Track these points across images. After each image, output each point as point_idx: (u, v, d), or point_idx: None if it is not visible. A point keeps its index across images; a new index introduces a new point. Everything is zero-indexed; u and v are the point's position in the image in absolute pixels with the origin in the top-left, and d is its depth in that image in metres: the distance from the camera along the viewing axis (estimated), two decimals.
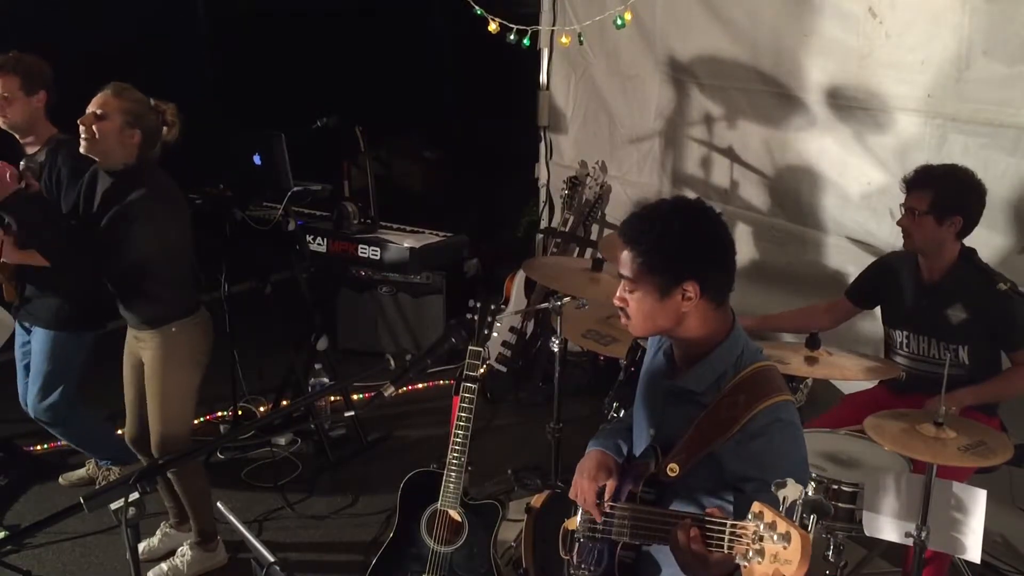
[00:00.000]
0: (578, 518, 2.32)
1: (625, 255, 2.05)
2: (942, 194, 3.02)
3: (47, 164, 3.44)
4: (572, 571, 2.30)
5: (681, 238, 2.01)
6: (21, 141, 3.53)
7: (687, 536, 1.76)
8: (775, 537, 1.57)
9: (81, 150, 3.06)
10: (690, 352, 2.10)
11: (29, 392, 3.66)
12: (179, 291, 3.25)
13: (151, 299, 3.21)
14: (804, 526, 1.61)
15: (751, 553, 1.60)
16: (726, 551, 1.68)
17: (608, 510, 2.17)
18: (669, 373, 2.16)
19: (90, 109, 3.03)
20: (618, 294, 2.08)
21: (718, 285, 2.05)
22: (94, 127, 3.01)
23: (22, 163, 3.45)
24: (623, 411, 2.86)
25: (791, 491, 1.62)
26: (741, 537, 1.64)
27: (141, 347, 3.27)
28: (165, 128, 3.16)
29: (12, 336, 3.75)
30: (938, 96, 3.54)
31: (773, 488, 1.63)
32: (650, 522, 2.01)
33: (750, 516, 1.62)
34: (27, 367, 3.70)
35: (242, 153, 4.69)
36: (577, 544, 2.31)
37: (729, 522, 1.69)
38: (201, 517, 3.46)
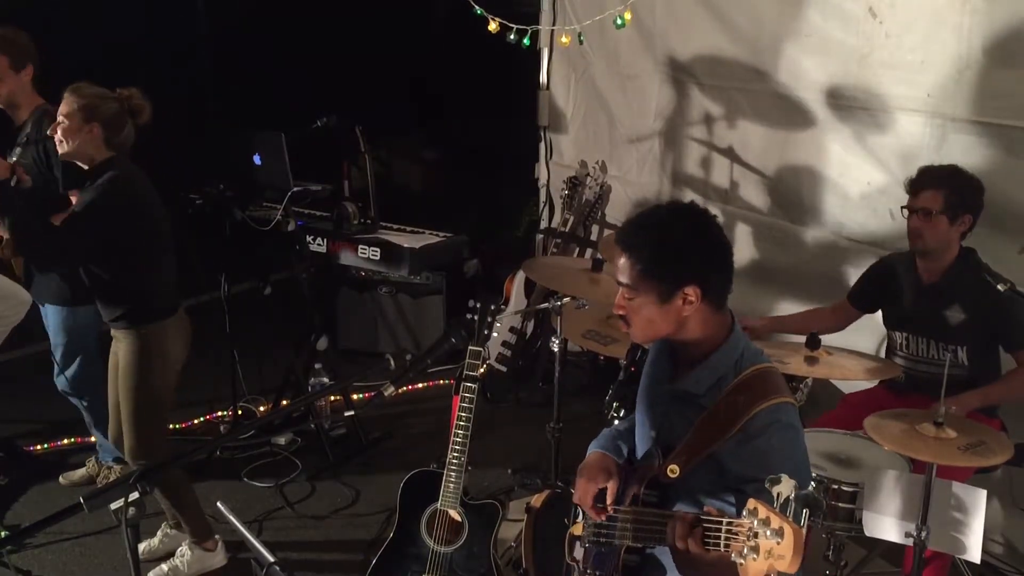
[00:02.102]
0: (583, 523, 2.32)
1: (623, 262, 2.04)
2: (954, 193, 3.03)
3: (33, 134, 3.51)
4: None
5: (681, 242, 2.01)
6: (9, 114, 3.61)
7: (685, 532, 1.75)
8: (768, 533, 1.58)
9: (60, 155, 3.13)
10: (691, 355, 2.10)
11: (55, 366, 3.78)
12: (153, 291, 3.22)
13: (122, 295, 3.18)
14: (798, 521, 1.61)
15: (746, 550, 1.60)
16: (723, 549, 1.68)
17: (611, 513, 2.17)
18: (670, 376, 2.16)
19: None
20: (617, 301, 2.07)
21: (718, 288, 2.05)
22: (59, 131, 3.05)
23: (14, 157, 3.48)
24: (623, 411, 2.86)
25: (784, 487, 1.62)
26: (737, 535, 1.65)
27: (118, 346, 3.27)
28: (135, 114, 3.15)
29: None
30: (938, 96, 3.54)
31: (767, 484, 1.64)
32: (650, 524, 2.01)
33: (745, 513, 1.63)
34: None
35: (242, 153, 4.70)
36: (583, 549, 2.31)
37: (725, 519, 1.70)
38: (191, 521, 3.45)
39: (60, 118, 3.06)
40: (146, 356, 3.20)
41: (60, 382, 3.83)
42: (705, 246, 2.04)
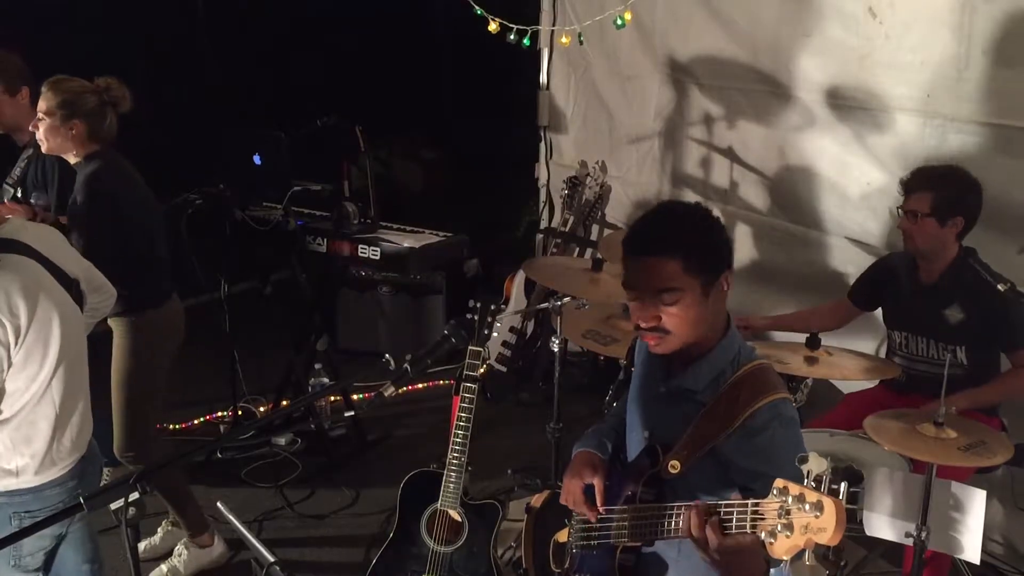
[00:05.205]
0: (569, 528, 2.31)
1: (657, 265, 1.96)
2: (943, 195, 3.02)
3: (33, 156, 3.48)
4: None
5: (707, 227, 2.02)
6: (13, 137, 3.59)
7: (701, 521, 1.74)
8: (807, 507, 1.54)
9: (44, 151, 3.13)
10: (689, 352, 2.08)
11: None
12: (142, 278, 3.19)
13: (115, 283, 3.16)
14: (835, 494, 1.58)
15: (779, 527, 1.58)
16: (749, 531, 1.67)
17: (604, 514, 2.16)
18: (665, 375, 2.15)
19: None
20: (648, 315, 1.98)
21: (732, 271, 2.06)
22: (40, 129, 3.04)
23: (15, 173, 3.49)
24: None
25: (814, 464, 1.59)
26: (765, 516, 1.63)
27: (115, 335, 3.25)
28: (115, 104, 3.11)
29: None
30: (937, 96, 3.54)
31: (796, 462, 1.62)
32: (652, 518, 2.00)
33: (774, 492, 1.60)
34: None
35: (242, 153, 4.70)
36: (570, 556, 2.30)
37: (751, 501, 1.68)
38: (186, 514, 3.45)
39: (40, 115, 3.03)
40: (139, 344, 3.18)
41: None
42: (722, 232, 2.06)
